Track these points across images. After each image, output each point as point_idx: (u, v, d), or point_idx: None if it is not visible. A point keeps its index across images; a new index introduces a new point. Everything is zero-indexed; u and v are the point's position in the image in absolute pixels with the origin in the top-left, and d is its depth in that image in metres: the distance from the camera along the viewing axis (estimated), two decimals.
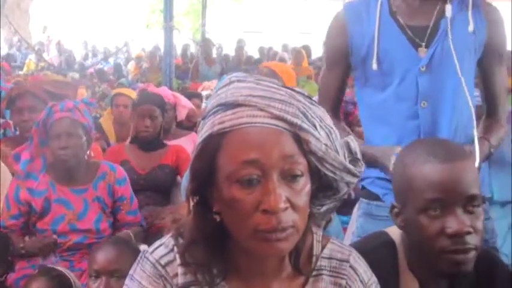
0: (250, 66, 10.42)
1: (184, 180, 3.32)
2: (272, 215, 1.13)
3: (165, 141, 3.99)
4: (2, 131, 4.28)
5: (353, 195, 2.56)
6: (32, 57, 13.84)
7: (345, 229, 3.22)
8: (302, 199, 1.17)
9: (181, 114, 4.65)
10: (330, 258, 1.31)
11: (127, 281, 1.29)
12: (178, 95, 4.88)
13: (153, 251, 1.28)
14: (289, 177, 1.16)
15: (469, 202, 1.46)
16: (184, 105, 4.69)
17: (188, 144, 4.13)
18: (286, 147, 1.16)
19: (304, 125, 1.18)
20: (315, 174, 1.21)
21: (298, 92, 1.22)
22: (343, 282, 1.30)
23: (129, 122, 4.87)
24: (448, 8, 1.96)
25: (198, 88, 7.37)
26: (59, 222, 2.98)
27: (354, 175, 1.26)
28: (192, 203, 1.24)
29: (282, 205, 1.13)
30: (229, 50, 13.86)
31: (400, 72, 1.99)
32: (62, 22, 22.00)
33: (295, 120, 1.17)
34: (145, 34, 17.70)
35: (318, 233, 1.32)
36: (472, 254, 1.47)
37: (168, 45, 6.87)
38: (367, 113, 2.12)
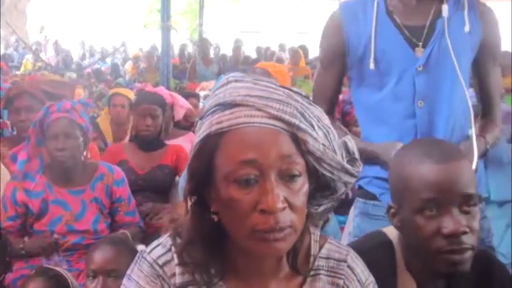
0: (247, 66, 10.43)
1: (181, 180, 3.31)
2: (270, 215, 1.13)
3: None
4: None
5: (350, 195, 2.56)
6: (29, 57, 13.83)
7: (342, 229, 3.22)
8: (300, 199, 1.17)
9: (179, 114, 4.64)
10: (327, 258, 1.32)
11: (125, 280, 1.29)
12: (175, 94, 4.88)
13: (150, 251, 1.27)
14: (287, 177, 1.16)
15: (465, 202, 1.47)
16: (182, 105, 4.69)
17: (186, 144, 4.12)
18: (284, 147, 1.16)
19: (302, 125, 1.18)
20: (312, 174, 1.21)
21: (295, 92, 1.22)
22: (341, 282, 1.31)
23: (127, 122, 4.88)
24: (445, 8, 1.97)
25: (195, 88, 7.37)
26: (57, 223, 2.97)
27: (351, 175, 1.26)
28: (189, 203, 1.24)
29: (280, 205, 1.13)
30: (227, 50, 13.87)
31: (397, 72, 1.99)
32: (59, 22, 21.97)
33: (293, 120, 1.17)
34: (142, 34, 17.69)
35: (315, 233, 1.32)
36: (469, 254, 1.47)
37: (166, 45, 6.86)
38: (364, 113, 2.12)
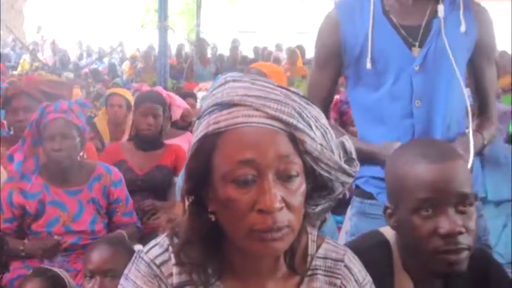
0: (245, 66, 10.42)
1: (179, 180, 3.31)
2: (267, 214, 1.13)
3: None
4: None
5: (348, 194, 2.56)
6: (26, 57, 13.84)
7: (339, 229, 3.22)
8: (297, 199, 1.17)
9: (176, 114, 4.64)
10: (324, 258, 1.32)
11: (122, 280, 1.28)
12: (173, 94, 4.88)
13: (148, 251, 1.27)
14: (285, 177, 1.16)
15: (461, 201, 1.47)
16: (179, 105, 4.69)
17: (183, 144, 4.11)
18: (282, 147, 1.16)
19: (300, 125, 1.18)
20: (310, 174, 1.21)
21: (293, 92, 1.22)
22: (338, 281, 1.31)
23: (124, 121, 4.88)
24: (441, 8, 1.97)
25: (192, 88, 7.36)
26: (54, 224, 2.97)
27: (349, 175, 1.26)
28: (187, 203, 1.24)
29: (278, 205, 1.13)
30: (224, 50, 13.85)
31: (395, 72, 2.00)
32: (56, 22, 21.95)
33: (290, 120, 1.17)
34: (139, 34, 17.66)
35: (312, 233, 1.32)
36: (465, 254, 1.47)
37: (163, 45, 6.86)
38: (361, 113, 2.12)
